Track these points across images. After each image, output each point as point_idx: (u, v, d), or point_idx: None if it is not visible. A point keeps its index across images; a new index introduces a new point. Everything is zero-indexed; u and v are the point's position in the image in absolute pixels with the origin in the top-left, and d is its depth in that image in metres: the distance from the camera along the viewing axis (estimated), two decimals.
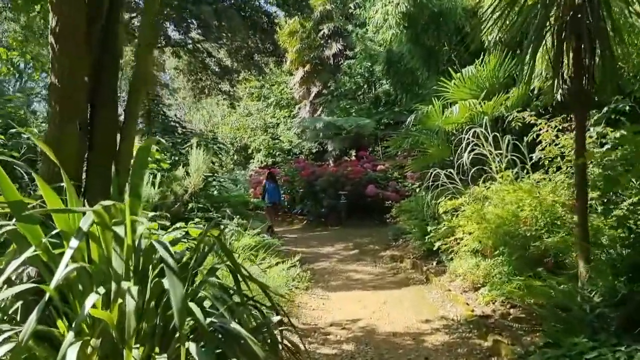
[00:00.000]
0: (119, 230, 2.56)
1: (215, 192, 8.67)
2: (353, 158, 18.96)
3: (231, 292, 2.91)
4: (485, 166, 7.67)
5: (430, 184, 8.21)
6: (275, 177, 15.41)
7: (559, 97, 8.10)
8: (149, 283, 3.15)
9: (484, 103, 8.27)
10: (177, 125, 11.14)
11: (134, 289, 2.65)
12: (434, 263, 8.46)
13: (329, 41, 21.42)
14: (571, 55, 4.94)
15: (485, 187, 6.86)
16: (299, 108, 23.71)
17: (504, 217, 6.12)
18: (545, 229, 5.97)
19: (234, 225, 8.13)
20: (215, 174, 9.51)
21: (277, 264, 7.86)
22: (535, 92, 8.43)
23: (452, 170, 7.79)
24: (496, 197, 6.56)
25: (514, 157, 6.79)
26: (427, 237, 8.63)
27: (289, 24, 21.11)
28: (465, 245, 6.80)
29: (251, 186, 19.78)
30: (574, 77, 4.87)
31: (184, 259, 3.67)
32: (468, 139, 7.28)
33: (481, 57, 9.04)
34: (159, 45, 18.10)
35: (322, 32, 21.39)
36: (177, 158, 8.96)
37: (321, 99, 21.14)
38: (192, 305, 2.77)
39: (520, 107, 8.38)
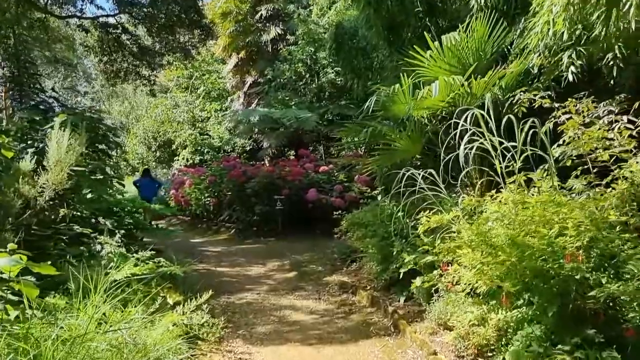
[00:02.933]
0: None
1: (90, 195, 5.97)
2: (292, 158, 16.53)
3: None
4: (478, 163, 5.44)
5: (398, 189, 5.86)
6: (150, 173, 15.49)
7: (570, 76, 6.07)
8: None
9: (478, 79, 6.00)
10: (55, 101, 8.31)
11: None
12: (402, 300, 6.11)
13: (267, 25, 18.85)
14: None
15: (490, 196, 4.55)
16: (232, 100, 20.99)
17: (533, 246, 3.81)
18: (599, 266, 3.73)
19: (114, 245, 5.47)
20: (99, 169, 6.78)
21: (174, 305, 5.30)
22: (535, 70, 6.30)
23: (433, 171, 5.45)
24: (509, 212, 4.26)
25: (539, 154, 4.51)
26: (392, 263, 6.31)
27: (222, 2, 18.46)
28: (459, 282, 4.47)
29: (173, 187, 17.03)
30: None
31: None
32: (463, 125, 4.95)
33: (464, 26, 6.79)
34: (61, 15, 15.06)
35: (259, 14, 18.82)
36: (42, 145, 6.21)
37: (257, 89, 18.54)
38: None
39: (515, 88, 6.33)
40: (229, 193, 13.92)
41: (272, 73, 17.52)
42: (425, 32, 6.94)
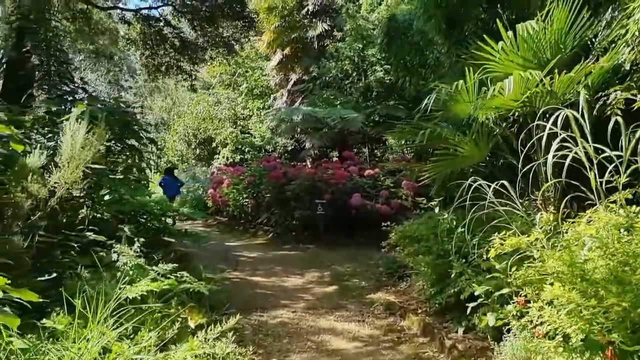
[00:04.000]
0: None
1: (108, 197, 5.29)
2: (335, 159, 15.75)
3: None
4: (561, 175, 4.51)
5: (462, 201, 5.02)
6: (173, 172, 15.85)
7: None
8: None
9: (562, 74, 5.07)
10: (84, 92, 7.76)
11: None
12: (461, 331, 5.21)
13: (314, 20, 18.14)
14: None
15: (587, 217, 3.64)
16: (275, 98, 20.35)
17: None
18: None
19: (132, 255, 4.78)
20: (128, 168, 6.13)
21: (197, 329, 4.57)
22: (627, 67, 5.32)
23: (506, 183, 4.57)
24: (609, 238, 3.35)
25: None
26: (449, 286, 5.45)
27: None
28: (546, 321, 3.57)
29: (211, 186, 16.50)
30: None
31: None
32: (551, 128, 4.05)
33: (543, 14, 5.85)
34: (104, 6, 14.73)
35: (306, 9, 18.13)
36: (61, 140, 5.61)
37: (301, 86, 17.84)
38: None
39: (602, 88, 5.41)
40: (268, 195, 13.26)
41: (318, 70, 16.78)
42: (497, 21, 6.02)
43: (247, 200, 14.27)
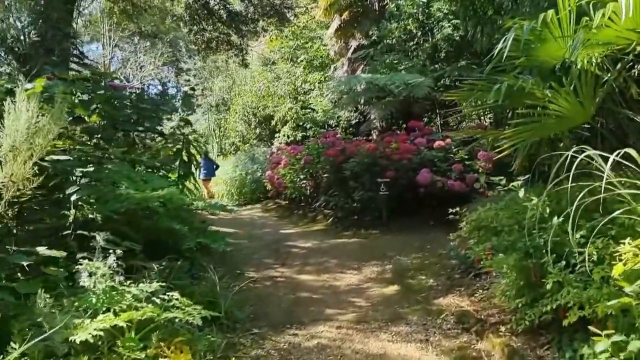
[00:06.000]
0: None
1: (75, 196, 4.08)
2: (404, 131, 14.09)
3: None
4: None
5: (557, 180, 3.45)
6: (209, 155, 18.29)
7: None
8: None
9: None
10: (79, 62, 6.63)
11: None
12: None
13: None
14: None
15: None
16: (335, 69, 18.81)
17: None
18: None
19: (104, 275, 3.56)
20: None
21: None
22: None
23: (632, 152, 2.95)
24: None
25: None
26: (544, 297, 3.92)
27: None
28: None
29: (269, 167, 15.38)
30: None
31: None
32: None
33: None
34: None
35: None
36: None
37: (361, 53, 16.19)
38: None
39: None
40: (326, 175, 11.91)
41: (378, 33, 15.09)
42: None
43: (304, 181, 13.02)
